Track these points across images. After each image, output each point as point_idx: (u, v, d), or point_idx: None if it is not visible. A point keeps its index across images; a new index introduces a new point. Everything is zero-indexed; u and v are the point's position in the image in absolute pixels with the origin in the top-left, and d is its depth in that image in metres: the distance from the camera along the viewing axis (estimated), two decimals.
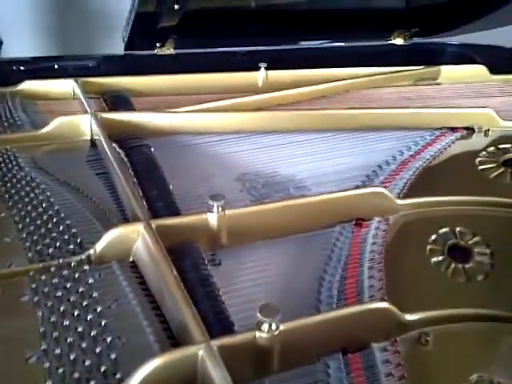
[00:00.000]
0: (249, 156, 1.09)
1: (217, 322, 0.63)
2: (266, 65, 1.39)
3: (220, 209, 0.77)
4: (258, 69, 1.38)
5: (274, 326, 0.55)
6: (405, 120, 1.21)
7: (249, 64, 1.39)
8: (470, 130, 1.20)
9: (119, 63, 1.39)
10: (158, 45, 1.37)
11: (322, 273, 0.74)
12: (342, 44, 1.66)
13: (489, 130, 1.19)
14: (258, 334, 0.55)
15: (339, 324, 0.61)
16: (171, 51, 1.40)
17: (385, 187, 0.92)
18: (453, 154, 1.12)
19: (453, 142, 1.16)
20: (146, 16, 1.27)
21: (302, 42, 1.66)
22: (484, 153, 1.11)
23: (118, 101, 1.25)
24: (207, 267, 0.73)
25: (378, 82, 1.47)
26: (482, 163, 1.07)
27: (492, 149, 1.13)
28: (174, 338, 0.62)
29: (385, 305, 0.63)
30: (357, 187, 0.94)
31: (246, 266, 0.78)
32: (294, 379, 0.58)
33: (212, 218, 0.77)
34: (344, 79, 1.43)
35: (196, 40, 1.41)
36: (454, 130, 1.20)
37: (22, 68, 1.29)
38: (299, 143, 1.13)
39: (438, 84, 1.53)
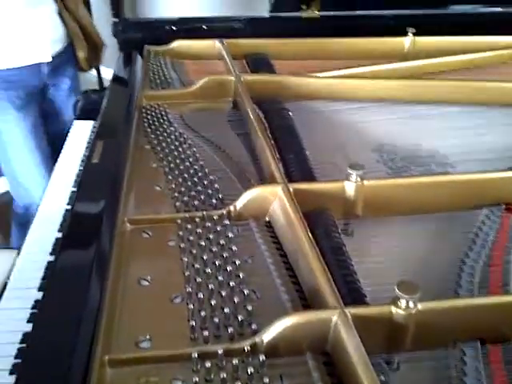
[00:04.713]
0: (389, 126, 1.05)
1: (348, 292, 0.62)
2: (414, 30, 1.31)
3: (358, 178, 0.76)
4: (405, 34, 1.31)
5: (411, 304, 0.54)
6: None
7: (396, 29, 1.32)
8: None
9: (264, 25, 1.40)
10: (303, 7, 1.36)
11: (464, 256, 0.70)
12: (499, 9, 1.50)
13: None
14: (394, 309, 0.54)
15: (481, 313, 0.57)
16: (316, 14, 1.38)
17: None
18: None
19: None
20: None
21: (454, 7, 1.53)
22: None
23: (260, 63, 1.27)
24: (340, 236, 0.73)
25: None
26: None
27: None
28: (305, 299, 0.63)
29: None
30: (510, 169, 0.86)
31: (379, 239, 0.76)
32: (426, 360, 0.57)
33: (349, 187, 0.76)
34: (500, 49, 1.30)
35: (342, 2, 1.37)
36: None
37: (173, 28, 1.36)
38: (445, 116, 1.06)
39: None
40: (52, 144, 1.47)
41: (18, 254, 0.91)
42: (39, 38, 1.35)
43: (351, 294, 0.62)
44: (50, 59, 1.39)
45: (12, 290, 0.82)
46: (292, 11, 1.37)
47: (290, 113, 1.06)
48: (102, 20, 1.77)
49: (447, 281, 0.67)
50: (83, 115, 1.31)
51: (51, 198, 1.03)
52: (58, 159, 1.14)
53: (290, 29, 1.36)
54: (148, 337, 0.57)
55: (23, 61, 1.34)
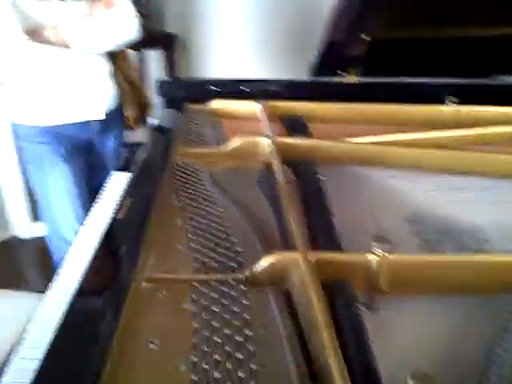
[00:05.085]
0: (424, 196, 1.01)
1: (362, 375, 0.58)
2: (454, 99, 1.29)
3: (383, 252, 0.72)
4: (443, 102, 1.29)
5: None
6: None
7: (435, 96, 1.31)
8: None
9: (302, 89, 1.43)
10: (342, 73, 1.38)
11: (494, 346, 0.64)
12: None
13: None
14: None
15: None
16: (355, 79, 1.39)
17: None
18: None
19: None
20: (335, 44, 1.28)
21: (499, 76, 1.51)
22: None
23: (296, 126, 1.28)
24: (361, 312, 0.69)
25: None
26: None
27: None
28: (316, 379, 0.59)
29: None
30: None
31: (404, 317, 0.72)
32: None
33: (374, 261, 0.73)
34: None
35: (382, 69, 1.38)
36: None
37: (214, 88, 1.40)
38: (485, 189, 1.02)
39: None
40: (93, 195, 1.50)
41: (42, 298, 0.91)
42: (93, 97, 1.41)
43: (365, 378, 0.58)
44: (104, 117, 1.45)
45: (31, 336, 0.82)
46: (331, 76, 1.39)
47: (322, 177, 1.05)
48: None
49: (475, 371, 0.61)
50: (124, 167, 1.35)
51: (80, 245, 1.04)
52: (92, 209, 1.17)
53: (328, 93, 1.37)
54: None
55: (76, 117, 1.40)
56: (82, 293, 0.70)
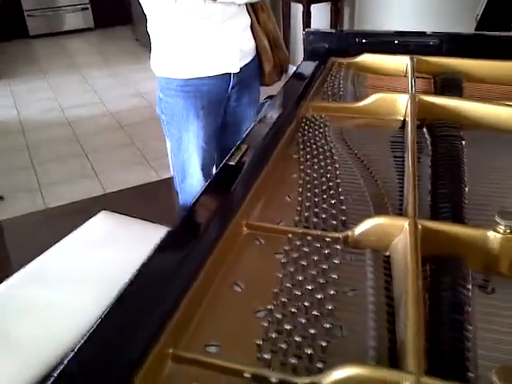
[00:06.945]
0: None
1: (448, 358, 0.52)
2: None
3: (508, 230, 0.62)
4: None
5: None
6: None
7: None
8: None
9: (463, 43, 1.26)
10: None
11: None
12: None
13: None
14: None
15: None
16: None
17: None
18: None
19: None
20: None
21: None
22: None
23: (448, 84, 1.15)
24: (467, 291, 0.61)
25: None
26: None
27: None
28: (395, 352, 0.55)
29: None
30: None
31: None
32: None
33: (493, 238, 0.63)
34: None
35: None
36: None
37: (363, 41, 1.32)
38: None
39: None
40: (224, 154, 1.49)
41: None
42: (231, 50, 1.39)
43: (449, 361, 0.52)
44: (238, 70, 1.42)
45: None
46: (501, 30, 1.20)
47: (464, 142, 0.93)
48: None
49: None
50: None
51: None
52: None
53: (494, 49, 1.19)
54: (218, 343, 0.57)
55: (215, 70, 1.39)
56: (175, 231, 0.70)
